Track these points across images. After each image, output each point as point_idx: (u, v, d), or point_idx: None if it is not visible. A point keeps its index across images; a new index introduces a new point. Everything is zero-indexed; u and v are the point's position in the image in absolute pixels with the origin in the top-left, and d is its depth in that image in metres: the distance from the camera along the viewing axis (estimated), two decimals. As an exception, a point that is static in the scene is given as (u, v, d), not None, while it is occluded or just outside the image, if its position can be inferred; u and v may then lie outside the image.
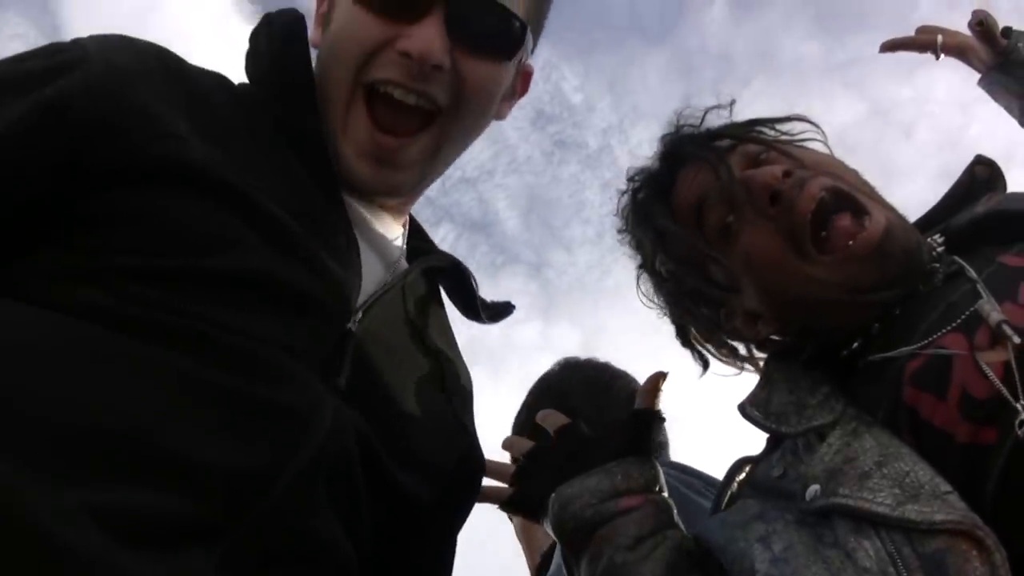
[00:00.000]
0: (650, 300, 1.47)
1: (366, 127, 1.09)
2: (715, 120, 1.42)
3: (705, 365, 1.44)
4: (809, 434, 1.10)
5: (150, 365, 0.77)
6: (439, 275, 1.26)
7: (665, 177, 1.38)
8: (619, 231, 1.49)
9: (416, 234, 1.30)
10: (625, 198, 1.46)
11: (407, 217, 1.27)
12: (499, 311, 1.31)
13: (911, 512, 0.90)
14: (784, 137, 1.36)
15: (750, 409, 1.19)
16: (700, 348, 1.45)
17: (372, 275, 1.07)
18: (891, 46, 1.69)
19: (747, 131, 1.37)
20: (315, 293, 0.94)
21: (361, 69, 1.09)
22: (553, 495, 1.21)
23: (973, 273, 1.10)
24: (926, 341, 1.05)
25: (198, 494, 0.73)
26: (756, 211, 1.23)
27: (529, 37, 1.20)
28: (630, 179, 1.45)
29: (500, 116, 1.29)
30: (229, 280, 0.87)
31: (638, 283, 1.48)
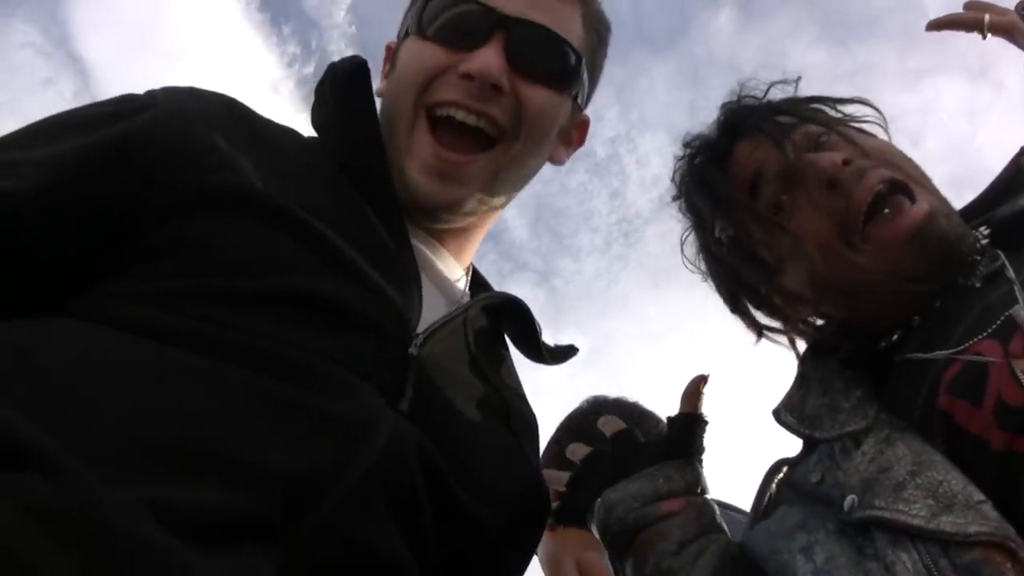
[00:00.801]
0: (694, 265, 1.48)
1: (429, 144, 1.14)
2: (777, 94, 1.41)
3: (758, 333, 1.43)
4: (844, 439, 1.12)
5: (210, 376, 0.81)
6: (504, 318, 1.28)
7: (723, 146, 1.38)
8: (673, 197, 1.49)
9: (480, 285, 1.32)
10: (681, 163, 1.46)
11: (470, 264, 1.31)
12: (562, 354, 1.35)
13: (946, 524, 0.92)
14: (844, 119, 1.36)
15: (785, 415, 1.22)
16: (750, 314, 1.44)
17: (434, 309, 1.10)
18: (937, 25, 1.65)
19: (809, 109, 1.37)
20: (374, 315, 0.97)
21: (424, 92, 1.15)
22: (599, 500, 1.25)
23: (1012, 273, 1.11)
24: (962, 347, 1.06)
25: (256, 494, 0.76)
26: (812, 195, 1.24)
27: (584, 73, 1.25)
28: (687, 144, 1.46)
29: (557, 160, 1.34)
30: (289, 300, 0.91)
31: (682, 247, 1.48)
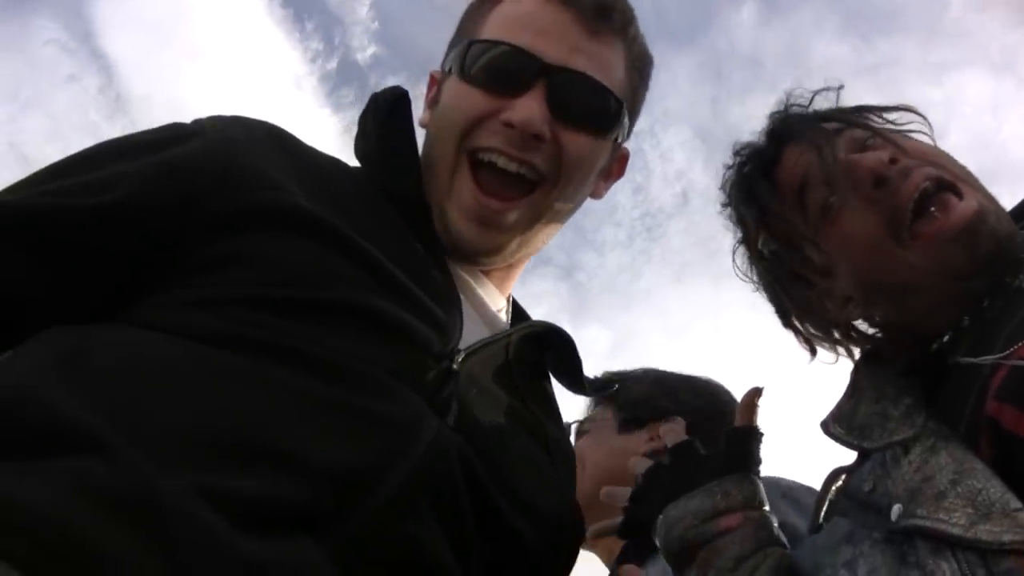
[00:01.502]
0: (745, 276, 1.49)
1: (471, 190, 1.18)
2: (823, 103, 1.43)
3: (812, 350, 1.44)
4: (893, 447, 1.13)
5: (259, 377, 0.85)
6: (545, 348, 1.32)
7: (771, 154, 1.40)
8: (722, 205, 1.52)
9: (520, 316, 1.36)
10: (730, 172, 1.48)
11: (510, 294, 1.36)
12: (602, 386, 1.40)
13: (983, 532, 0.93)
14: (890, 126, 1.36)
15: (833, 427, 1.23)
16: (801, 330, 1.45)
17: (474, 332, 1.14)
18: None
19: (855, 116, 1.38)
20: (418, 330, 1.01)
21: (466, 137, 1.19)
22: (660, 517, 1.30)
23: None
24: (1008, 351, 1.06)
25: (304, 485, 0.79)
26: (859, 194, 1.25)
27: (625, 116, 1.28)
28: (736, 153, 1.48)
29: (597, 195, 1.37)
30: (336, 310, 0.95)
31: (734, 258, 1.50)
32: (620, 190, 1.45)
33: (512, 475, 1.05)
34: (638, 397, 1.93)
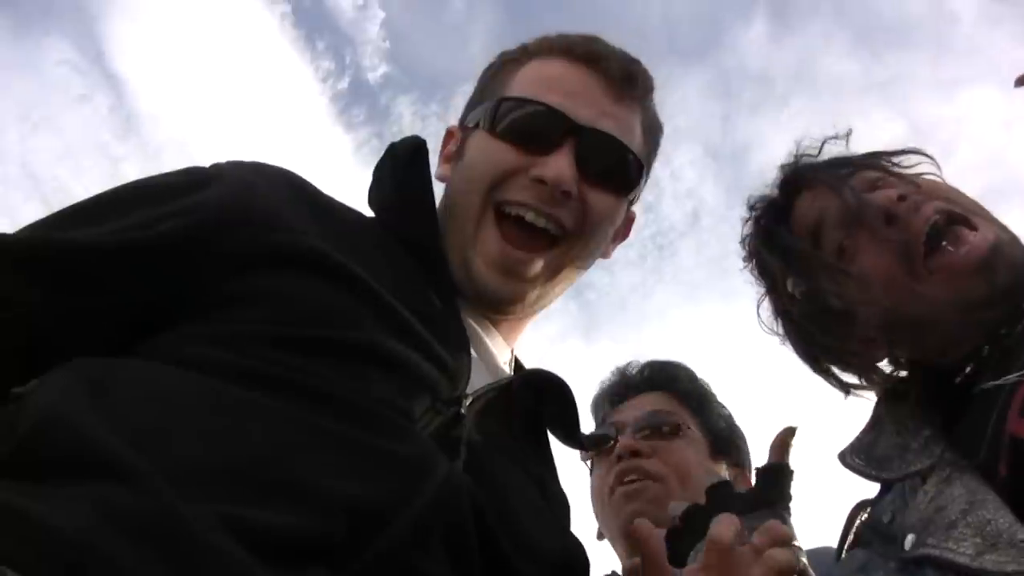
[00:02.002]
0: (771, 330, 1.50)
1: (497, 241, 1.21)
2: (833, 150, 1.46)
3: (844, 390, 1.44)
4: (911, 478, 1.16)
5: (278, 412, 0.86)
6: (543, 398, 1.29)
7: (785, 203, 1.45)
8: (743, 260, 1.54)
9: (521, 369, 1.36)
10: (747, 226, 1.52)
11: (512, 348, 1.36)
12: (598, 441, 1.42)
13: (988, 562, 0.96)
14: (900, 169, 1.39)
15: (850, 458, 1.26)
16: (833, 373, 1.45)
17: (480, 380, 1.12)
18: None
19: (864, 159, 1.42)
20: (427, 373, 1.02)
21: (494, 189, 1.21)
22: (692, 553, 1.34)
23: None
24: None
25: (321, 518, 0.79)
26: (872, 231, 1.29)
27: (644, 177, 1.33)
28: (751, 207, 1.52)
29: (606, 255, 1.40)
30: (348, 350, 0.96)
31: (758, 311, 1.52)
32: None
33: (518, 520, 1.05)
34: (721, 432, 1.99)
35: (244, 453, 0.81)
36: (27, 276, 0.93)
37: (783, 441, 1.42)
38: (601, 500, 1.93)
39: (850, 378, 1.43)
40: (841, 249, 1.33)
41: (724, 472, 1.93)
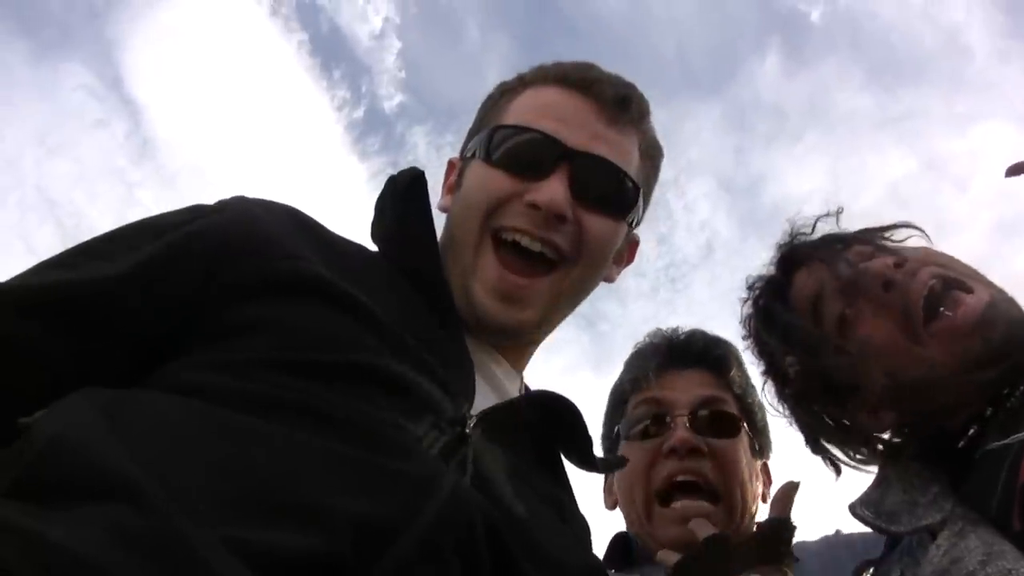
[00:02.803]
0: (776, 408, 1.50)
1: (495, 268, 1.21)
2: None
3: (837, 470, 1.43)
4: (920, 533, 1.13)
5: (282, 435, 0.86)
6: (555, 421, 1.28)
7: (782, 280, 1.46)
8: (743, 339, 1.55)
9: None
10: (746, 306, 1.53)
11: (522, 374, 1.35)
12: (612, 464, 1.38)
13: None
14: (892, 243, 1.41)
15: (860, 509, 1.24)
16: (831, 453, 1.44)
17: (486, 402, 1.12)
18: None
19: (858, 234, 1.44)
20: (431, 395, 1.02)
21: (490, 216, 1.22)
22: None
23: None
24: None
25: (327, 536, 0.79)
26: (871, 299, 1.30)
27: (641, 199, 1.33)
28: (749, 287, 1.53)
29: (610, 279, 1.39)
30: (351, 373, 0.97)
31: (763, 390, 1.52)
32: (644, 240, 1.46)
33: (533, 537, 1.04)
34: (763, 429, 1.84)
35: (249, 476, 0.81)
36: (40, 322, 0.94)
37: (786, 495, 1.38)
38: (633, 489, 1.75)
39: (851, 455, 1.41)
40: (842, 319, 1.34)
41: (758, 469, 1.81)
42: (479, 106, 1.41)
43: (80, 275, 0.98)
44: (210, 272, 1.01)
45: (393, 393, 0.98)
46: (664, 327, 1.93)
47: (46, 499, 0.73)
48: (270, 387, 0.92)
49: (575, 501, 1.26)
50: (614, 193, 1.27)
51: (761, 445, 1.83)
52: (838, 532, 1.86)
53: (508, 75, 1.41)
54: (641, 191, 1.32)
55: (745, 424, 1.79)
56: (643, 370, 1.85)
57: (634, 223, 1.36)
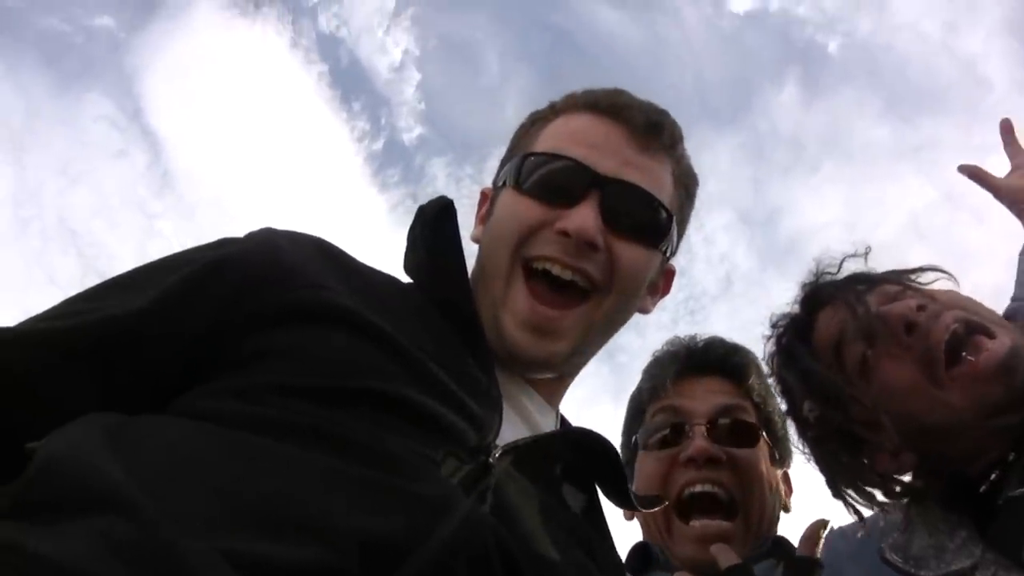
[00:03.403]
0: (799, 447, 1.51)
1: (526, 299, 1.19)
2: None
3: (859, 516, 1.44)
4: None
5: (290, 455, 0.86)
6: (590, 458, 1.26)
7: (806, 320, 1.47)
8: (768, 377, 1.57)
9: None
10: (770, 343, 1.54)
11: (557, 408, 1.33)
12: (651, 502, 1.37)
13: None
14: (917, 284, 1.43)
15: (889, 554, 1.25)
16: (851, 497, 1.45)
17: (515, 434, 1.10)
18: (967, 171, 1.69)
19: (883, 275, 1.46)
20: (454, 423, 1.01)
21: (521, 245, 1.21)
22: None
23: None
24: None
25: (333, 551, 0.78)
26: (893, 342, 1.31)
27: (674, 227, 1.30)
28: (773, 325, 1.54)
29: (645, 310, 1.37)
30: (368, 399, 0.96)
31: (784, 426, 1.56)
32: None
33: (548, 567, 1.02)
34: (782, 439, 1.81)
35: (252, 492, 0.80)
36: (67, 361, 0.94)
37: (814, 534, 1.39)
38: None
39: (871, 499, 1.42)
40: (864, 361, 1.35)
41: (779, 478, 1.80)
42: (511, 135, 1.40)
43: (105, 313, 0.98)
44: (234, 301, 1.01)
45: (412, 421, 0.97)
46: (683, 335, 1.92)
47: (41, 516, 0.74)
48: (283, 412, 0.91)
49: (609, 539, 1.24)
50: (647, 221, 1.25)
51: (781, 454, 1.81)
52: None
53: (527, 107, 1.41)
54: (674, 219, 1.29)
55: (764, 433, 1.78)
56: (661, 378, 1.83)
57: (668, 252, 1.33)
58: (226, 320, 1.00)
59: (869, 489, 1.42)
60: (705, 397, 1.76)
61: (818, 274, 1.53)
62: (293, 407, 0.92)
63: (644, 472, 1.78)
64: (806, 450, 1.49)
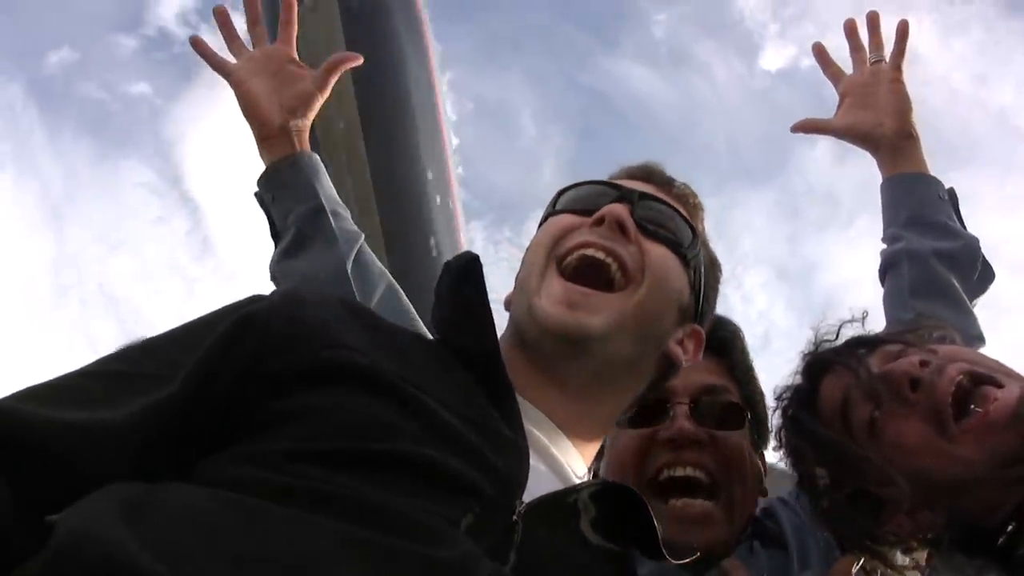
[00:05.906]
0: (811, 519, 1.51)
1: (559, 282, 1.24)
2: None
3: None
4: None
5: (308, 524, 0.85)
6: (623, 510, 1.22)
7: (809, 388, 1.48)
8: (774, 450, 1.57)
9: None
10: (776, 416, 1.54)
11: (592, 461, 1.32)
12: (681, 552, 1.36)
13: None
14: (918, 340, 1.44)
15: None
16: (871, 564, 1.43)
17: (544, 488, 1.08)
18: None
19: (883, 336, 1.48)
20: (475, 480, 1.00)
21: (555, 245, 1.29)
22: None
23: None
24: None
25: None
26: (899, 400, 1.31)
27: (699, 249, 1.35)
28: (778, 398, 1.54)
29: (674, 357, 1.33)
30: (386, 461, 0.96)
31: (797, 493, 1.54)
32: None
33: None
34: (764, 420, 1.76)
35: (270, 563, 0.81)
36: (92, 451, 0.93)
37: (846, 571, 1.38)
38: (626, 472, 1.66)
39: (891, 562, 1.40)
40: (871, 423, 1.34)
41: (758, 462, 1.75)
42: (548, 199, 1.45)
43: (149, 399, 0.97)
44: (256, 359, 1.02)
45: (431, 481, 0.97)
46: None
47: None
48: (299, 479, 0.91)
49: None
50: (671, 229, 1.33)
51: (761, 435, 1.76)
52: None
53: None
54: (699, 241, 1.35)
55: (748, 414, 1.73)
56: None
57: (695, 273, 1.35)
58: (247, 382, 1.01)
59: (887, 550, 1.39)
60: (687, 373, 1.56)
61: (817, 342, 1.55)
62: (310, 474, 0.92)
63: (618, 449, 1.70)
64: (819, 519, 1.47)
